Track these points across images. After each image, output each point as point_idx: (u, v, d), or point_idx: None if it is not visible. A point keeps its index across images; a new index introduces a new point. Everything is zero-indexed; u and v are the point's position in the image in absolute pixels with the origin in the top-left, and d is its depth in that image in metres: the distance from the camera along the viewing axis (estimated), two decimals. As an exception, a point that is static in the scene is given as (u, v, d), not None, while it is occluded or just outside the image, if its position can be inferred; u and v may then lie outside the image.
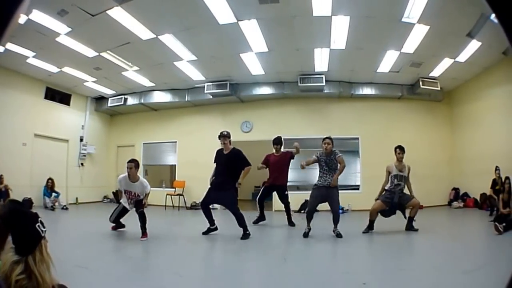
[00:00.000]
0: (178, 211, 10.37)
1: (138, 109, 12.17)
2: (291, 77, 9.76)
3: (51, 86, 10.45)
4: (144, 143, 12.18)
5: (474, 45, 7.41)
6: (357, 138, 10.57)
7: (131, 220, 5.80)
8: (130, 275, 3.63)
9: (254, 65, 8.90)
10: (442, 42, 7.42)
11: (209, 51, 8.20)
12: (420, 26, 6.71)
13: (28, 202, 8.73)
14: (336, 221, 5.49)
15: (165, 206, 10.78)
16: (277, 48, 7.99)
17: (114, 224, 5.95)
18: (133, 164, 5.57)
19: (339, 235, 5.41)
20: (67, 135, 11.30)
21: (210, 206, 5.84)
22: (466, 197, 9.76)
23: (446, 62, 8.51)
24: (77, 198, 11.30)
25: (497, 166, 7.62)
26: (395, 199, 5.73)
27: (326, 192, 5.49)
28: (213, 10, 6.22)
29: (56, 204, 9.61)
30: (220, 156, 5.79)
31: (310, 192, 5.76)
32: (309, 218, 5.57)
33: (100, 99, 12.11)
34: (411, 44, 7.52)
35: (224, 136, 5.69)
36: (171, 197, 10.92)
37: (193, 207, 10.64)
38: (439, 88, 9.79)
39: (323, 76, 9.41)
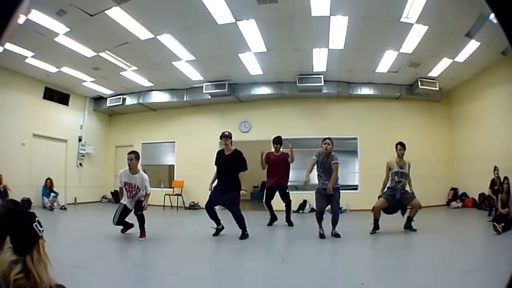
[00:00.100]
0: (177, 211, 10.38)
1: (137, 109, 12.16)
2: (290, 77, 9.76)
3: (50, 86, 10.43)
4: (142, 143, 12.17)
5: (473, 45, 7.41)
6: (356, 138, 10.57)
7: (130, 220, 5.77)
8: (129, 275, 3.63)
9: (252, 65, 8.90)
10: (440, 42, 7.42)
11: (207, 51, 8.19)
12: (418, 26, 6.71)
13: (26, 202, 8.72)
14: (335, 222, 5.50)
15: (164, 206, 10.78)
16: (276, 48, 7.99)
17: (122, 227, 5.75)
18: (134, 155, 5.54)
19: (337, 235, 5.43)
20: (66, 135, 11.29)
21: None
22: (465, 197, 9.77)
23: (445, 62, 8.52)
24: (75, 198, 11.28)
25: (495, 166, 7.64)
26: (397, 196, 5.73)
27: (327, 193, 5.50)
28: (212, 10, 6.21)
29: (55, 204, 9.61)
30: (221, 158, 5.66)
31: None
32: (320, 219, 5.51)
33: (98, 99, 12.09)
34: (410, 44, 7.52)
35: (226, 137, 5.58)
36: (169, 197, 10.91)
37: (192, 207, 10.65)
38: (437, 88, 9.80)
39: (322, 76, 9.41)
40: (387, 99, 10.65)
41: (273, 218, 7.02)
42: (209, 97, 10.50)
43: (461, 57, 8.06)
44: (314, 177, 5.85)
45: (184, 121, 11.85)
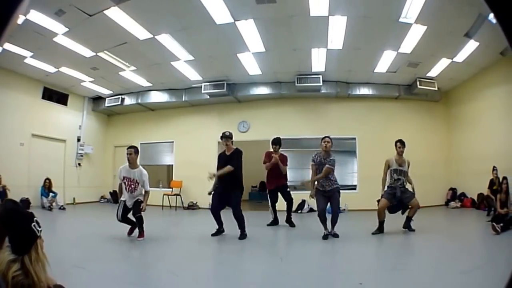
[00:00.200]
0: (175, 211, 10.36)
1: (135, 109, 12.15)
2: (288, 77, 9.76)
3: (49, 86, 10.41)
4: (141, 143, 12.09)
5: (471, 45, 7.42)
6: (354, 138, 10.56)
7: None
8: (128, 275, 3.63)
9: (251, 65, 8.89)
10: (439, 42, 7.43)
11: (206, 51, 8.19)
12: (417, 26, 6.72)
13: (25, 202, 8.71)
14: (334, 222, 5.49)
15: (162, 206, 10.77)
16: (274, 48, 7.99)
17: (129, 230, 5.69)
18: (133, 149, 5.55)
19: (335, 235, 5.43)
20: (65, 135, 11.27)
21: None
22: (463, 197, 9.79)
23: (444, 62, 8.53)
24: (74, 198, 11.26)
25: (494, 166, 7.65)
26: (398, 194, 5.70)
27: (327, 194, 5.50)
28: (210, 10, 6.20)
29: (54, 204, 9.59)
30: (223, 159, 5.69)
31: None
32: (323, 220, 5.48)
33: (97, 99, 12.07)
34: (409, 44, 7.52)
35: (226, 137, 5.63)
36: (168, 197, 10.89)
37: (190, 207, 10.64)
38: (436, 88, 9.81)
39: (320, 76, 9.40)
40: (385, 99, 10.65)
41: (275, 221, 7.04)
42: (208, 97, 10.49)
43: (460, 57, 8.07)
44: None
45: (182, 121, 11.84)
